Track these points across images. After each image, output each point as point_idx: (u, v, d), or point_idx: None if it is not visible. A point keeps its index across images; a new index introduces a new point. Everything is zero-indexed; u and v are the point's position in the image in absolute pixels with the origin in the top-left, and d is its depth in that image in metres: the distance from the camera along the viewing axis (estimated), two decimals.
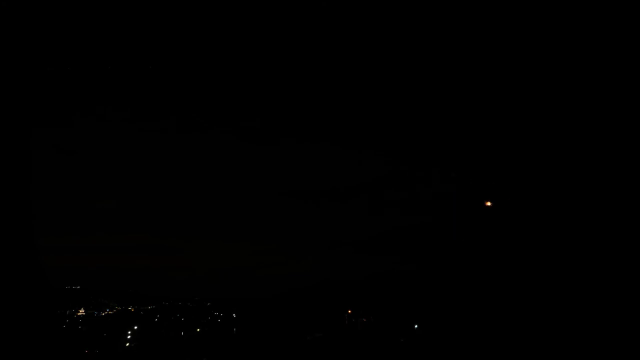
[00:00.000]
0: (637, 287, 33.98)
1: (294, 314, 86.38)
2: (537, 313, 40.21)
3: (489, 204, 48.51)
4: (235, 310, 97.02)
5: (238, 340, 74.55)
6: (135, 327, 78.03)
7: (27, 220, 29.19)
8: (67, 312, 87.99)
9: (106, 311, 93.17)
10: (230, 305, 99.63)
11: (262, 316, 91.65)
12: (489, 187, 50.67)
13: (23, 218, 28.97)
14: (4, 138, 28.49)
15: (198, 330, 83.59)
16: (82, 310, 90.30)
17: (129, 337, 74.25)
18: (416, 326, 64.54)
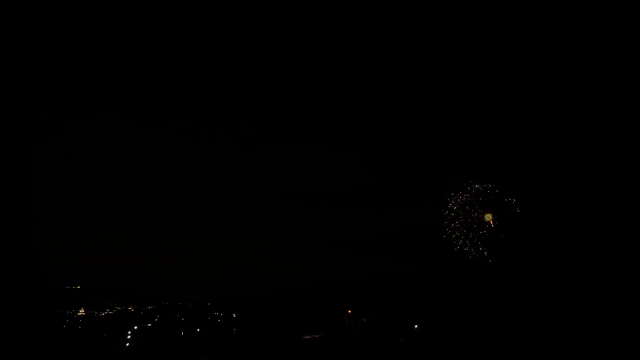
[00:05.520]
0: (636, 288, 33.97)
1: (294, 313, 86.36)
2: (536, 313, 40.22)
3: (489, 217, 48.47)
4: (235, 310, 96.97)
5: (238, 340, 74.47)
6: (135, 327, 77.94)
7: (27, 221, 29.19)
8: (67, 312, 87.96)
9: (106, 311, 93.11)
10: (230, 305, 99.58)
11: (262, 316, 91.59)
12: (488, 188, 50.70)
13: (23, 218, 28.96)
14: (4, 142, 28.49)
15: (198, 330, 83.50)
16: (82, 310, 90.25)
17: (129, 337, 74.17)
18: (416, 326, 64.59)
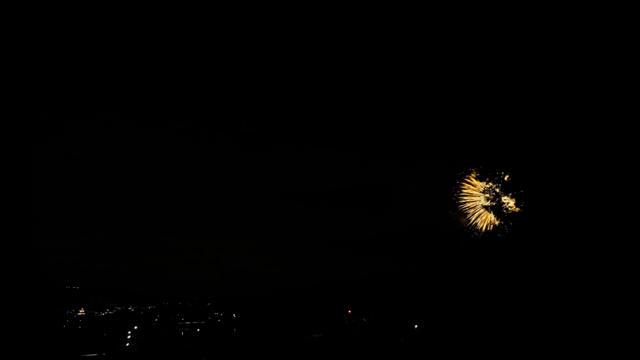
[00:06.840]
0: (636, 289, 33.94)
1: (294, 313, 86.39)
2: (535, 313, 40.22)
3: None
4: (235, 310, 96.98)
5: (238, 340, 74.50)
6: (135, 327, 77.94)
7: (27, 221, 29.20)
8: (67, 312, 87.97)
9: (106, 311, 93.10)
10: (230, 305, 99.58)
11: (262, 316, 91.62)
12: (487, 189, 50.78)
13: (23, 218, 28.97)
14: (4, 142, 28.50)
15: (198, 330, 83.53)
16: (82, 310, 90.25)
17: (129, 337, 74.18)
18: (416, 326, 64.59)
